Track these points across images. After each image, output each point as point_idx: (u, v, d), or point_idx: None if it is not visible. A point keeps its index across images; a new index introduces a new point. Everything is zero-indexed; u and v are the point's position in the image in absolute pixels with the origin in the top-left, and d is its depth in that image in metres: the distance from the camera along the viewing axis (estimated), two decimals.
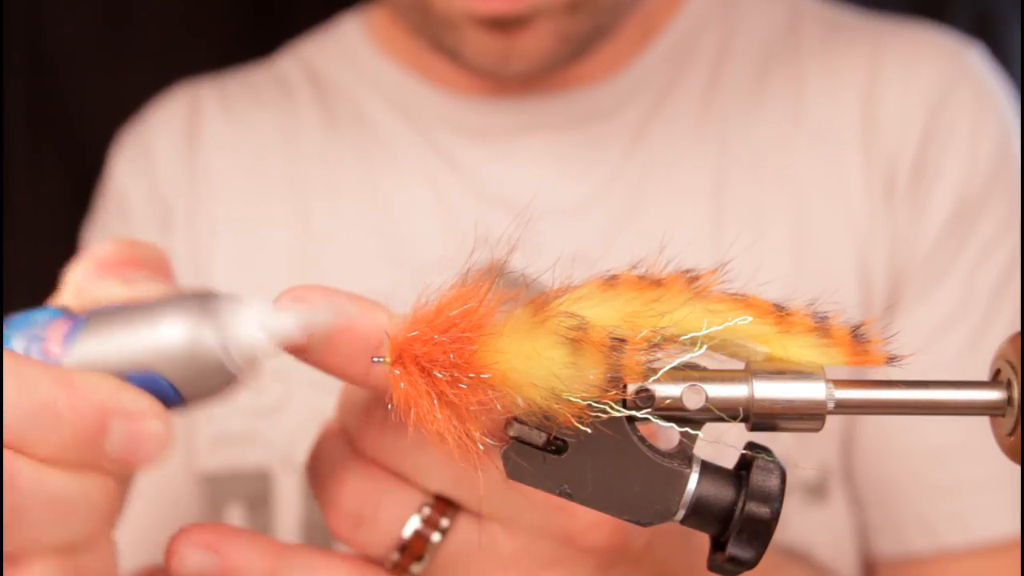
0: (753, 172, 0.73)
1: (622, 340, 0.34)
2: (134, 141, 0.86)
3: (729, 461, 0.36)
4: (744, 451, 0.36)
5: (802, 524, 0.72)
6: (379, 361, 0.36)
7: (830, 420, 0.73)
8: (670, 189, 0.74)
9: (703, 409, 0.35)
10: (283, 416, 0.77)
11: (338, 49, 0.85)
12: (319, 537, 0.77)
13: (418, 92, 0.80)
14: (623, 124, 0.76)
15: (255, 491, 0.77)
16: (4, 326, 0.37)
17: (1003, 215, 0.73)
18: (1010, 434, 0.34)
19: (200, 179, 0.83)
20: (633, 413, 0.34)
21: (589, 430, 0.34)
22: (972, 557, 0.69)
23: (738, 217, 0.73)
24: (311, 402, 0.77)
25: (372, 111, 0.81)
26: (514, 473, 0.35)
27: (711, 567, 0.36)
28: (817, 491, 0.72)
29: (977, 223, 0.73)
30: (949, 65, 0.76)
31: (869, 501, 0.74)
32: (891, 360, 0.35)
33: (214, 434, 0.78)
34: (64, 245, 0.92)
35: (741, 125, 0.75)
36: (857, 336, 0.35)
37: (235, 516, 0.77)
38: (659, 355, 0.34)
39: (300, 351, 0.40)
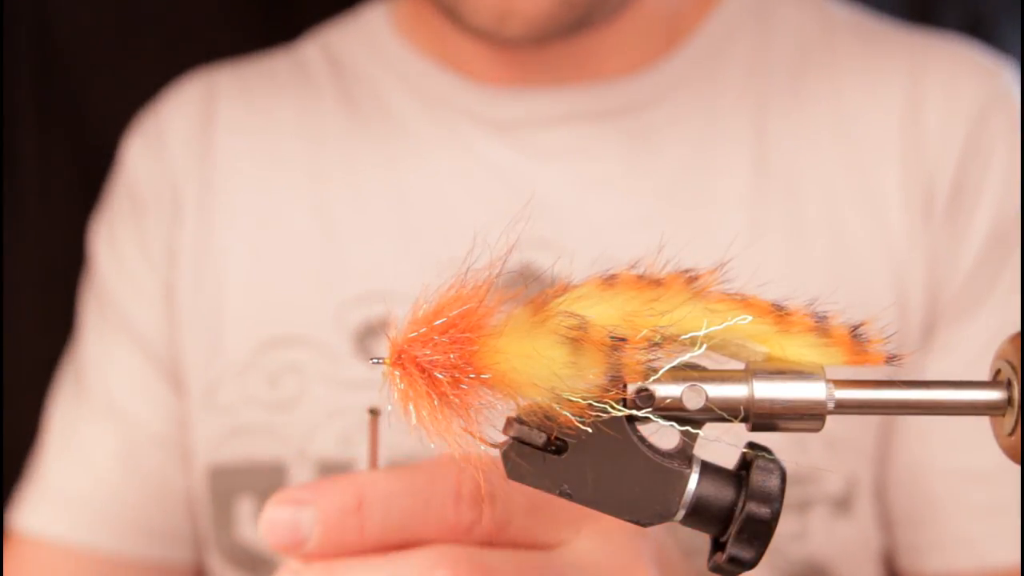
0: (790, 182, 0.73)
1: (622, 339, 0.34)
2: (147, 128, 0.85)
3: (729, 461, 0.36)
4: (744, 451, 0.36)
5: (826, 537, 0.72)
6: (378, 362, 0.36)
7: (864, 434, 0.72)
8: (703, 194, 0.73)
9: (703, 409, 0.34)
10: (299, 410, 0.77)
11: (362, 37, 0.85)
12: None
13: (443, 82, 0.80)
14: (652, 122, 0.75)
15: (268, 484, 0.77)
16: None
17: None
18: (1010, 434, 0.34)
19: (214, 167, 0.82)
20: (633, 413, 0.34)
21: (590, 430, 0.34)
22: None
23: (775, 227, 0.72)
24: (327, 397, 0.77)
25: (395, 100, 0.81)
26: (514, 473, 0.35)
27: (711, 567, 0.36)
28: (843, 504, 0.72)
29: (1015, 244, 0.73)
30: (989, 85, 0.76)
31: (903, 519, 0.73)
32: (890, 360, 0.35)
33: (229, 426, 0.78)
34: (72, 242, 0.92)
35: (778, 134, 0.74)
36: (857, 336, 0.35)
37: (245, 508, 0.77)
38: (659, 355, 0.34)
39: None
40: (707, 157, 0.74)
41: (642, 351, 0.34)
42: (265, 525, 0.43)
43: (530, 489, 0.37)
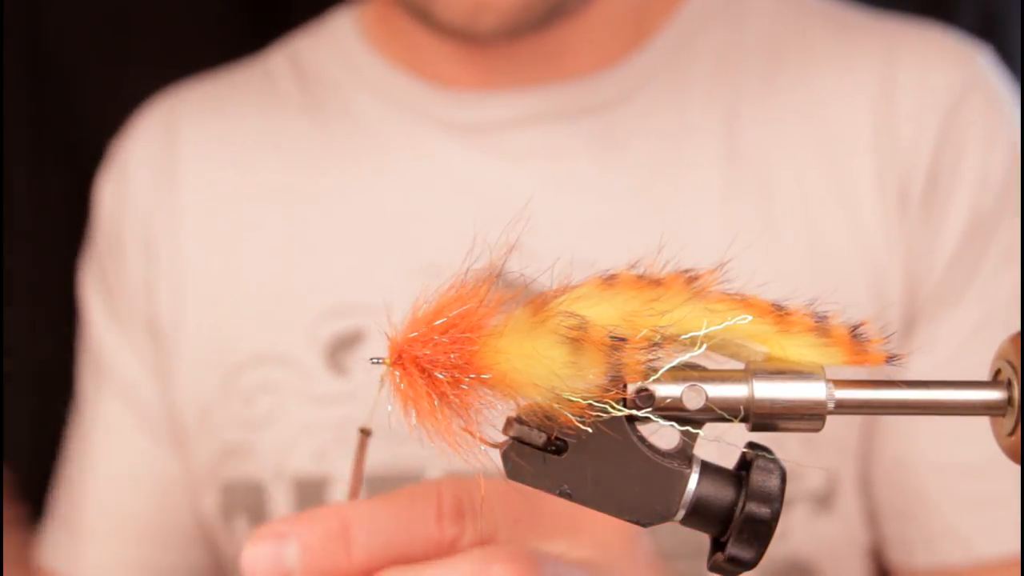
0: (763, 174, 0.72)
1: (622, 339, 0.34)
2: (114, 169, 0.84)
3: (729, 461, 0.36)
4: (744, 450, 0.36)
5: (808, 535, 0.72)
6: (377, 362, 0.36)
7: (847, 431, 0.71)
8: (676, 189, 0.72)
9: (703, 409, 0.34)
10: (274, 428, 0.77)
11: (329, 44, 0.84)
12: None
13: (409, 87, 0.79)
14: (622, 119, 0.74)
15: (253, 503, 0.77)
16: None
17: (1018, 223, 0.73)
18: (1010, 434, 0.34)
19: (181, 192, 0.81)
20: (633, 413, 0.34)
21: (590, 430, 0.34)
22: (1006, 568, 0.69)
23: (748, 220, 0.71)
24: (301, 413, 0.76)
25: (362, 108, 0.80)
26: (514, 473, 0.35)
27: (711, 567, 0.36)
28: (825, 501, 0.72)
29: (994, 234, 0.72)
30: (962, 70, 0.75)
31: (891, 513, 0.73)
32: (890, 359, 0.35)
33: (219, 445, 0.78)
34: (65, 246, 0.92)
35: (750, 125, 0.73)
36: (856, 335, 0.35)
37: (241, 526, 0.78)
38: (659, 354, 0.34)
39: None
40: (679, 151, 0.73)
41: (642, 351, 0.34)
42: (247, 563, 0.42)
43: (512, 501, 0.37)
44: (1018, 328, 0.71)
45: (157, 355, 0.81)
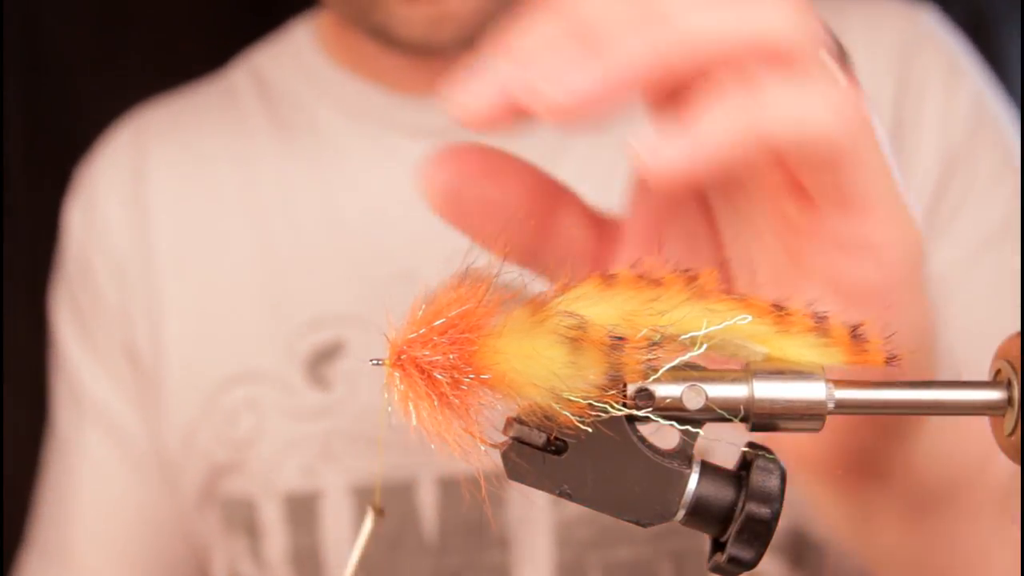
0: None
1: (621, 339, 0.34)
2: (81, 195, 0.84)
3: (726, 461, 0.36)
4: (744, 450, 0.36)
5: (804, 504, 0.72)
6: (377, 364, 0.36)
7: None
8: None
9: (703, 409, 0.34)
10: (260, 445, 0.77)
11: (288, 56, 0.84)
12: (306, 566, 0.77)
13: (369, 95, 0.79)
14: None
15: (246, 520, 0.77)
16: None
17: (991, 165, 0.73)
18: (1010, 434, 0.34)
19: (151, 215, 0.80)
20: (633, 412, 0.34)
21: (589, 430, 0.34)
22: None
23: None
24: (285, 429, 0.76)
25: (323, 118, 0.80)
26: (513, 473, 0.35)
27: (711, 568, 0.36)
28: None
29: (967, 176, 0.73)
30: (909, 24, 0.77)
31: None
32: (890, 360, 0.35)
33: (213, 463, 0.78)
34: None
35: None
36: (856, 336, 0.35)
37: (240, 544, 0.78)
38: (659, 354, 0.34)
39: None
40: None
41: (642, 350, 0.34)
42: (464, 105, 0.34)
43: None
44: (1006, 270, 0.71)
45: (137, 382, 0.80)
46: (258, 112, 0.82)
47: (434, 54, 0.73)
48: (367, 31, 0.73)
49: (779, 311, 0.35)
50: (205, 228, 0.80)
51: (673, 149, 0.33)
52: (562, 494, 0.35)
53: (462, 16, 0.68)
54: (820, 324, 0.35)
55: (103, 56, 1.04)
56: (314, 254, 0.78)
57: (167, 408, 0.79)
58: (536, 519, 0.75)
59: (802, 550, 0.75)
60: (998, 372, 0.34)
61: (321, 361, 0.77)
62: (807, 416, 0.35)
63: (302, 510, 0.76)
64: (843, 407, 0.35)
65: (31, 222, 0.89)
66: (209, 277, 0.79)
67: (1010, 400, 0.34)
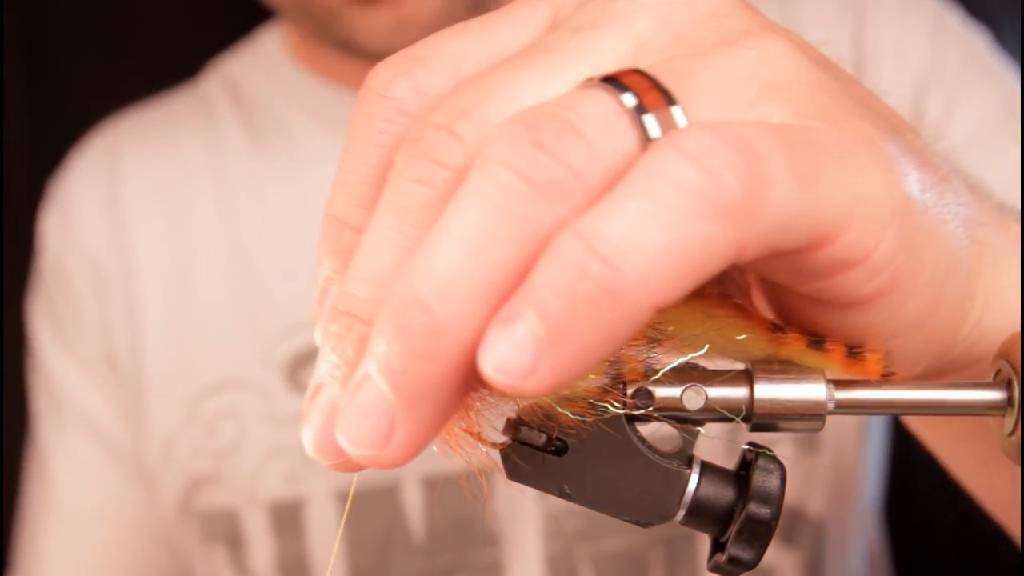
0: None
1: None
2: (57, 205, 0.84)
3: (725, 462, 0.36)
4: (745, 450, 0.36)
5: (792, 478, 0.72)
6: None
7: None
8: None
9: (703, 409, 0.34)
10: (241, 454, 0.77)
11: (259, 64, 0.84)
12: (294, 574, 0.77)
13: (338, 100, 0.79)
14: None
15: (228, 531, 0.77)
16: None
17: (967, 78, 0.74)
18: (1011, 434, 0.34)
19: (127, 225, 0.81)
20: (634, 412, 0.34)
21: (590, 429, 0.34)
22: None
23: None
24: (266, 436, 0.76)
25: (295, 125, 0.80)
26: (513, 474, 0.35)
27: (711, 568, 0.36)
28: (809, 441, 0.72)
29: (941, 94, 0.74)
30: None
31: None
32: (887, 375, 0.34)
33: (192, 475, 0.78)
34: None
35: None
36: (853, 354, 0.34)
37: (220, 555, 0.77)
38: (659, 354, 0.34)
39: None
40: None
41: (642, 350, 0.34)
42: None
43: None
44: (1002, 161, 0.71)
45: (118, 390, 0.80)
46: (231, 120, 0.82)
47: None
48: (331, 43, 0.73)
49: (776, 329, 0.35)
50: (181, 237, 0.80)
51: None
52: (562, 495, 0.35)
53: (423, 20, 0.68)
54: (815, 342, 0.34)
55: (104, 58, 1.04)
56: (289, 259, 0.78)
57: (148, 418, 0.79)
58: (524, 513, 0.75)
59: (791, 528, 0.75)
60: (998, 372, 0.34)
61: (300, 366, 0.77)
62: (807, 416, 0.35)
63: (287, 518, 0.76)
64: (843, 407, 0.35)
65: (31, 222, 0.89)
66: (186, 286, 0.79)
67: (1010, 400, 0.34)
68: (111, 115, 0.87)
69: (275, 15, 0.86)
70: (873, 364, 0.34)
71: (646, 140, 0.27)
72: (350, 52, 0.72)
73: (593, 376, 0.34)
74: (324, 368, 0.29)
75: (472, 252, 0.26)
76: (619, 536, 0.75)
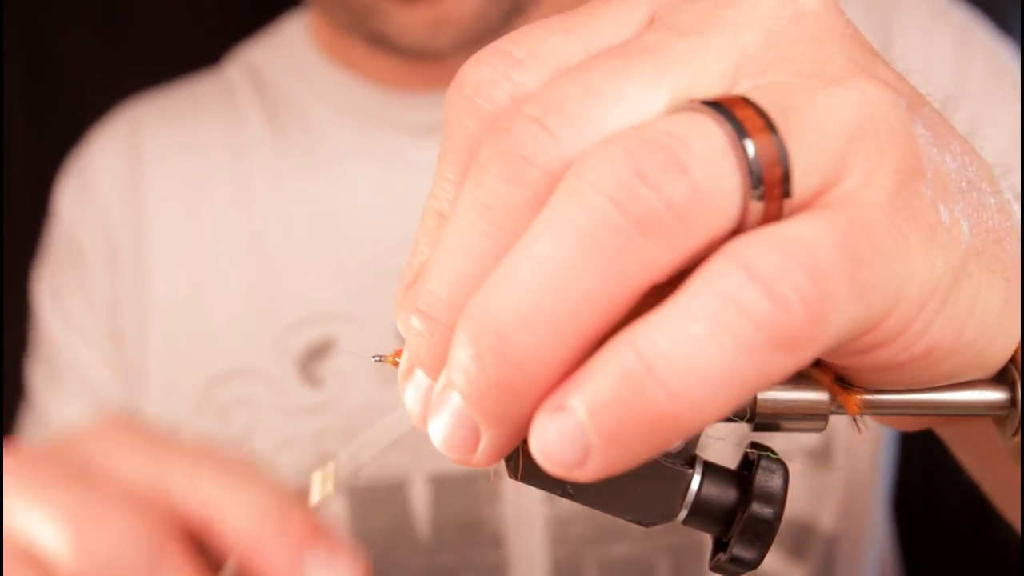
0: None
1: None
2: (77, 176, 0.83)
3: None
4: (748, 450, 0.35)
5: (802, 491, 0.71)
6: (379, 360, 0.36)
7: None
8: None
9: None
10: (252, 444, 0.76)
11: (282, 53, 0.84)
12: None
13: (362, 93, 0.79)
14: None
15: None
16: None
17: (994, 94, 0.74)
18: (1014, 434, 0.34)
19: (145, 205, 0.80)
20: None
21: None
22: None
23: None
24: (278, 427, 0.76)
25: (317, 115, 0.80)
26: (516, 473, 0.35)
27: (713, 567, 0.36)
28: (822, 456, 0.71)
29: (967, 110, 0.73)
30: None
31: None
32: (864, 412, 0.34)
33: None
34: None
35: None
36: (839, 380, 0.34)
37: None
38: None
39: None
40: None
41: None
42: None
43: None
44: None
45: (122, 368, 0.80)
46: (253, 107, 0.82)
47: (432, 58, 0.73)
48: (363, 37, 0.72)
49: None
50: (198, 222, 0.80)
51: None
52: (564, 494, 0.35)
53: (461, 20, 0.67)
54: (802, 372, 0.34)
55: (105, 56, 1.04)
56: (306, 251, 0.78)
57: (149, 402, 0.79)
58: (531, 516, 0.75)
59: (801, 541, 0.75)
60: (1002, 372, 0.34)
61: (313, 358, 0.76)
62: (810, 416, 0.34)
63: None
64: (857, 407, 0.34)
65: (32, 222, 0.89)
66: (200, 271, 0.79)
67: (1013, 400, 0.34)
68: (110, 113, 0.87)
69: (297, 5, 0.86)
70: (853, 405, 0.33)
71: (749, 183, 0.26)
72: (382, 47, 0.72)
73: None
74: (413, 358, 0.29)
75: (556, 283, 0.25)
76: (625, 543, 0.75)
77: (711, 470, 0.35)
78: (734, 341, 0.24)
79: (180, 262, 0.79)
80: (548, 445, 0.26)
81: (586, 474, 0.26)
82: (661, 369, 0.25)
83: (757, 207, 0.26)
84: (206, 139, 0.82)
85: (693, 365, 0.24)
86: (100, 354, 0.80)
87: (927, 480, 0.96)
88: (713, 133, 0.26)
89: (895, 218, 0.28)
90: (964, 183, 0.32)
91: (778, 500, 0.34)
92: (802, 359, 0.25)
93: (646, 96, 0.27)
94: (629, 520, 0.35)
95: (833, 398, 0.34)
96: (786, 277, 0.25)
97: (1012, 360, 0.33)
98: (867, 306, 0.27)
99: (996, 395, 0.34)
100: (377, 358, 0.36)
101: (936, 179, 0.30)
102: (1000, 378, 0.34)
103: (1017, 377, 0.34)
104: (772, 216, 0.26)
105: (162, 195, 0.80)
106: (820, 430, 0.35)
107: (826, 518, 0.75)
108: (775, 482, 0.35)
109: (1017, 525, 0.48)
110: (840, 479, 0.74)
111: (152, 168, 0.81)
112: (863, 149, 0.28)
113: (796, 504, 0.74)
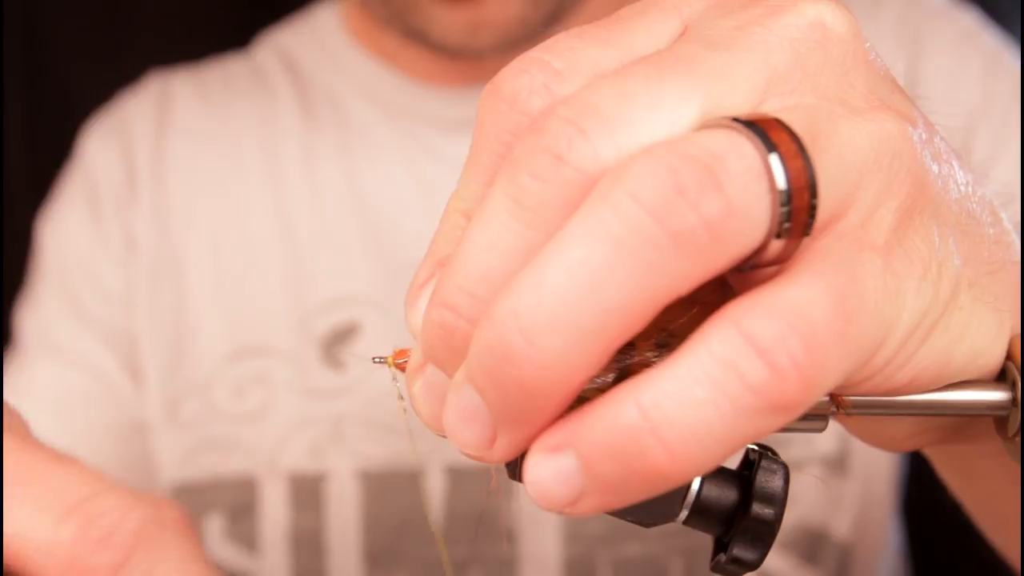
0: None
1: (632, 343, 0.34)
2: (107, 121, 0.83)
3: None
4: (748, 450, 0.35)
5: (818, 498, 0.72)
6: (380, 361, 0.36)
7: None
8: None
9: None
10: (267, 422, 0.76)
11: (314, 40, 0.84)
12: (305, 547, 0.76)
13: (395, 85, 0.79)
14: None
15: (238, 499, 0.76)
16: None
17: (1016, 119, 0.74)
18: (1014, 435, 0.34)
19: (169, 168, 0.80)
20: None
21: None
22: None
23: None
24: (295, 407, 0.76)
25: (350, 104, 0.80)
26: (517, 474, 0.35)
27: (714, 568, 0.36)
28: (838, 464, 0.71)
29: (990, 134, 0.73)
30: (913, 9, 0.77)
31: None
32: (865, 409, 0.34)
33: (194, 441, 0.77)
34: None
35: None
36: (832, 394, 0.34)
37: (215, 526, 0.76)
38: (667, 356, 0.34)
39: None
40: None
41: (649, 352, 0.34)
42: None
43: None
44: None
45: (122, 334, 0.79)
46: (286, 90, 0.82)
47: (470, 58, 0.73)
48: (402, 32, 0.73)
49: None
50: (225, 197, 0.80)
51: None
52: None
53: (504, 24, 0.68)
54: None
55: (105, 55, 1.04)
56: (333, 235, 0.78)
57: (159, 370, 0.78)
58: (544, 513, 0.75)
59: (815, 547, 0.75)
60: (1002, 371, 0.34)
61: (336, 342, 0.76)
62: (811, 417, 0.35)
63: (307, 491, 0.75)
64: (845, 407, 0.34)
65: (32, 222, 0.89)
66: (226, 247, 0.79)
67: (1014, 400, 0.34)
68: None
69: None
70: (849, 405, 0.34)
71: (778, 206, 0.26)
72: (419, 43, 0.72)
73: (600, 378, 0.34)
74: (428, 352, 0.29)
75: (586, 289, 0.25)
76: (639, 543, 0.74)
77: (712, 471, 0.35)
78: (732, 405, 0.25)
79: (205, 233, 0.78)
80: (541, 483, 0.27)
81: (575, 512, 0.27)
82: (663, 428, 0.25)
83: (784, 229, 0.27)
84: (237, 116, 0.82)
85: (692, 426, 0.25)
86: (108, 298, 0.79)
87: (932, 482, 0.96)
88: (749, 154, 0.26)
89: (889, 258, 0.29)
90: (964, 215, 0.32)
91: (779, 501, 0.34)
92: (793, 417, 0.26)
93: (679, 105, 0.27)
94: (629, 520, 0.35)
95: (833, 398, 0.34)
96: (783, 348, 0.25)
97: (1010, 357, 0.33)
98: (856, 359, 0.28)
99: (996, 395, 0.34)
100: (378, 359, 0.36)
101: (936, 212, 0.31)
102: (1000, 378, 0.34)
103: (1018, 376, 0.34)
104: (794, 243, 0.27)
105: (189, 165, 0.80)
106: (821, 431, 0.35)
107: (841, 526, 0.74)
108: (776, 483, 0.35)
109: (1003, 550, 0.48)
110: (857, 488, 0.74)
111: (179, 138, 0.81)
112: (872, 184, 0.29)
113: (811, 511, 0.74)
